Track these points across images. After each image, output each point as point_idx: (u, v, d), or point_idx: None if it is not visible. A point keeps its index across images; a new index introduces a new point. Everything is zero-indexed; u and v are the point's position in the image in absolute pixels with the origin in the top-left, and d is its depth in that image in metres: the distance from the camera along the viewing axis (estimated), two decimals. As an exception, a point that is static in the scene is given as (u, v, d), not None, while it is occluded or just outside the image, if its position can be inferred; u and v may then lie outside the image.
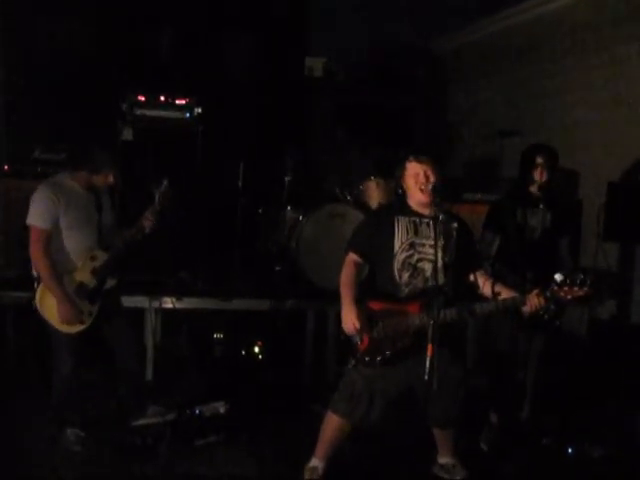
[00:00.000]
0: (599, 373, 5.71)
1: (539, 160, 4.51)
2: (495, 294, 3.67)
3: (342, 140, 8.16)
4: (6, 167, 5.87)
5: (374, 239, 3.78)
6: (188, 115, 6.58)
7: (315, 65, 11.42)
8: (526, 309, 3.60)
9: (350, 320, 3.60)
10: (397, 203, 3.90)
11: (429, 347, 3.28)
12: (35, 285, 4.15)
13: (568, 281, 3.43)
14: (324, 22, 9.95)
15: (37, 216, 4.07)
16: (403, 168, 3.82)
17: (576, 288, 3.43)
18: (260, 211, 6.97)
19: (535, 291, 3.55)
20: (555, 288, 3.48)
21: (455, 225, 3.77)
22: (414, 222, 3.77)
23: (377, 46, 11.27)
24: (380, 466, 4.22)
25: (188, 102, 6.59)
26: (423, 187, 3.73)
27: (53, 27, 7.54)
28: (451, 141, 10.24)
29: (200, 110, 6.58)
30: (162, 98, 6.56)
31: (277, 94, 8.39)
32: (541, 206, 4.51)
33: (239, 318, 5.86)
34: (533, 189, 4.54)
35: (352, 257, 3.80)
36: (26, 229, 4.10)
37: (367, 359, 3.68)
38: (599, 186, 6.99)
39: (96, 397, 4.71)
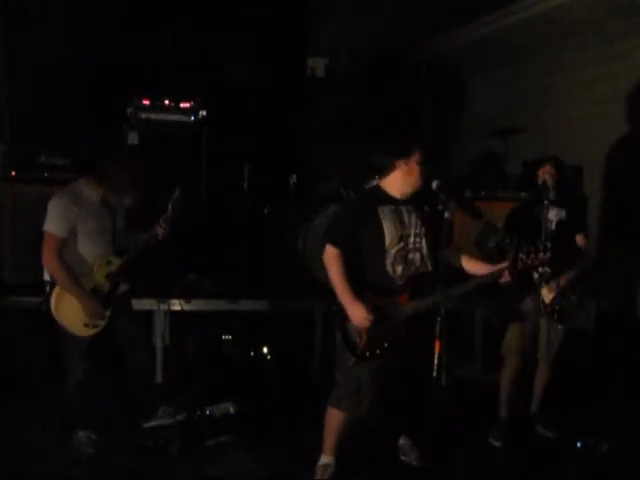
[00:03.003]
0: (606, 367, 5.73)
1: (548, 165, 4.62)
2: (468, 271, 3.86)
3: (346, 139, 8.19)
4: (13, 172, 5.90)
5: (361, 234, 3.77)
6: (193, 118, 6.61)
7: (317, 65, 11.45)
8: (502, 281, 3.77)
9: (362, 315, 3.63)
10: (375, 191, 3.91)
11: (437, 343, 3.31)
12: (47, 290, 4.19)
13: (532, 248, 3.72)
14: (326, 22, 9.97)
15: (53, 223, 4.10)
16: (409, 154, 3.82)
17: (541, 254, 3.72)
18: (266, 212, 7.00)
19: (506, 264, 3.74)
20: (523, 258, 3.69)
21: (427, 208, 3.86)
22: (398, 211, 3.81)
23: (379, 45, 11.28)
24: (387, 462, 4.25)
25: (192, 105, 6.61)
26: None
27: (56, 33, 7.58)
28: (454, 139, 10.25)
29: (204, 113, 6.61)
30: (167, 102, 6.59)
31: (280, 95, 8.41)
32: (555, 205, 4.61)
33: (247, 319, 5.88)
34: (547, 191, 4.61)
35: (334, 251, 3.74)
36: (40, 235, 4.14)
37: (367, 354, 3.72)
38: (603, 181, 7.02)
39: (107, 399, 4.73)
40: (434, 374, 3.35)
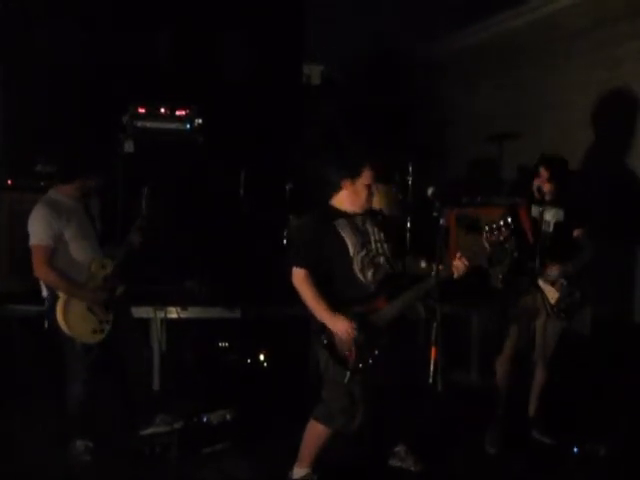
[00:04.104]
0: (603, 372, 5.73)
1: (543, 172, 4.59)
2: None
3: (342, 146, 8.19)
4: (9, 181, 5.91)
5: (324, 250, 3.76)
6: (188, 126, 6.61)
7: (313, 72, 11.44)
8: (455, 276, 3.78)
9: (345, 326, 3.62)
10: (328, 209, 3.92)
11: (433, 349, 3.32)
12: (47, 305, 4.21)
13: (494, 226, 3.75)
14: (321, 28, 9.97)
15: (38, 235, 4.14)
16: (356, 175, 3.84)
17: (503, 229, 3.75)
18: (262, 219, 7.00)
19: (458, 254, 3.79)
20: (488, 235, 3.76)
21: (380, 217, 3.99)
22: (352, 223, 3.84)
23: (375, 49, 11.28)
24: (382, 469, 4.26)
25: (188, 113, 6.62)
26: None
27: (51, 40, 7.57)
28: (450, 144, 10.26)
29: (200, 121, 6.61)
30: (162, 110, 6.60)
31: (276, 102, 8.42)
32: (553, 206, 4.63)
33: (244, 326, 5.88)
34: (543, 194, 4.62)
35: (302, 273, 3.72)
36: (29, 249, 4.17)
37: (360, 365, 3.67)
38: (598, 185, 7.03)
39: (105, 406, 4.73)
40: (430, 380, 3.36)
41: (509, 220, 3.77)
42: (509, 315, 4.74)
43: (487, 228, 3.77)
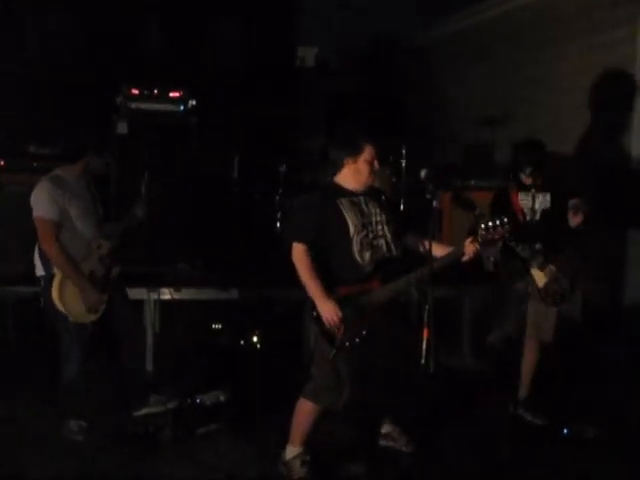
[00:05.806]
0: (593, 355, 5.78)
1: (525, 166, 4.62)
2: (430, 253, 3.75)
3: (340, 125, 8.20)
4: (2, 162, 5.90)
5: (324, 226, 3.78)
6: (182, 108, 6.59)
7: (307, 55, 11.44)
8: (465, 258, 3.79)
9: (332, 312, 3.65)
10: (332, 185, 3.93)
11: (425, 331, 3.34)
12: (42, 283, 4.22)
13: (491, 224, 3.70)
14: (316, 11, 9.96)
15: (43, 209, 4.12)
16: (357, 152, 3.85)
17: (499, 228, 3.71)
18: (255, 200, 7.02)
19: (469, 239, 3.76)
20: (483, 233, 3.72)
21: (383, 198, 3.99)
22: (356, 202, 3.85)
23: (369, 35, 11.28)
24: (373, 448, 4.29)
25: (182, 95, 6.59)
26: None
27: (45, 21, 7.54)
28: (443, 129, 10.27)
29: (194, 102, 6.59)
30: (156, 91, 6.57)
31: (270, 84, 8.41)
32: (540, 190, 4.65)
33: (237, 307, 5.90)
34: (528, 181, 4.65)
35: (301, 248, 3.73)
36: (30, 225, 4.17)
37: (347, 344, 3.70)
38: (591, 169, 7.05)
39: (98, 387, 4.74)
40: (422, 361, 3.38)
41: (505, 220, 3.72)
42: (506, 298, 4.76)
43: (483, 226, 3.72)
